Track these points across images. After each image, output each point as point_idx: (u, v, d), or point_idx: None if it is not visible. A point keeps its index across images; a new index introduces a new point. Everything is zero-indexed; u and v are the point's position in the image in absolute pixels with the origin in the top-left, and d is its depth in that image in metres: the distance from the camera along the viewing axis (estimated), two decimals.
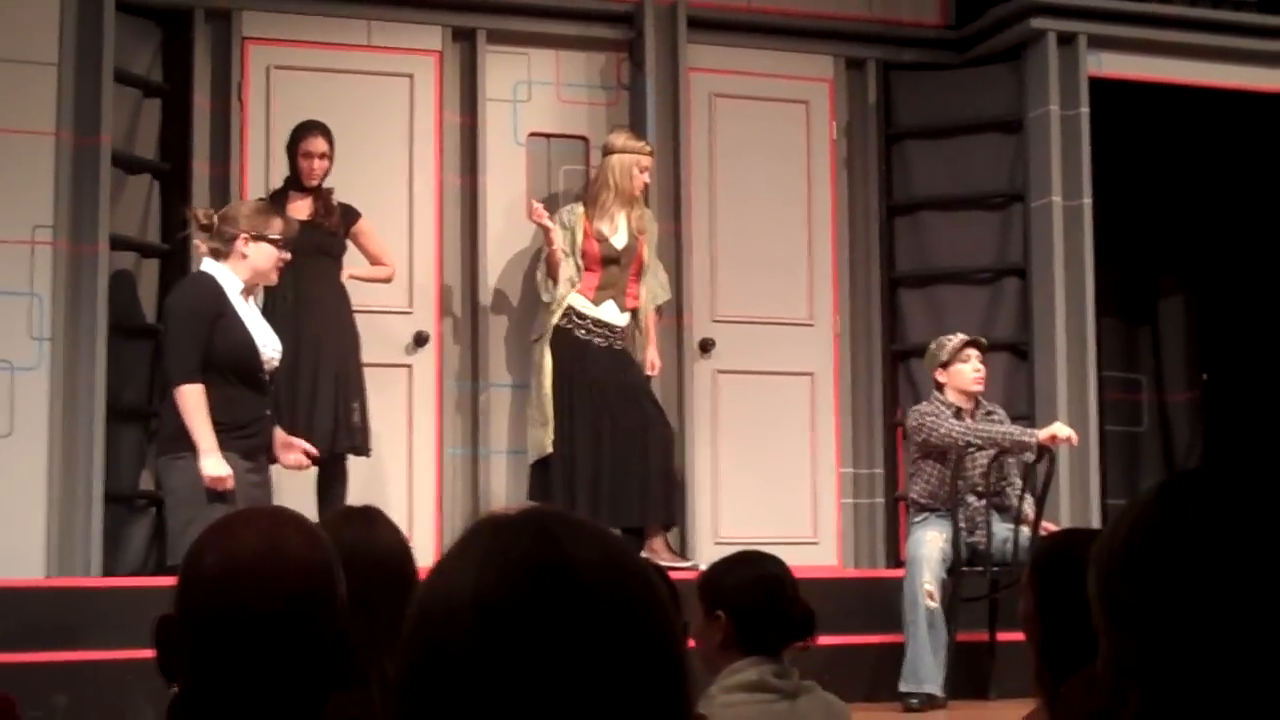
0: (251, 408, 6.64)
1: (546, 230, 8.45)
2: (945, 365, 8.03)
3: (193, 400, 6.44)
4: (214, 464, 6.40)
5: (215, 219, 6.78)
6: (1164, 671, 1.45)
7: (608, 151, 8.76)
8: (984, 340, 8.16)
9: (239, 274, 6.63)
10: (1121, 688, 1.49)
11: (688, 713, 1.43)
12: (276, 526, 2.30)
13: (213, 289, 6.58)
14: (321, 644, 2.23)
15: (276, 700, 2.20)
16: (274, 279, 6.83)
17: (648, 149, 8.81)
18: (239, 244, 6.63)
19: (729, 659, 3.93)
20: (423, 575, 1.52)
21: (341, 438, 8.01)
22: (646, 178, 8.76)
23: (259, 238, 6.64)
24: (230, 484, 6.39)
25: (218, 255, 6.69)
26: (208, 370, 6.50)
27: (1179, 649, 1.44)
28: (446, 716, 1.38)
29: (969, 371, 8.00)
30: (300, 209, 8.20)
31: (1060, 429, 7.94)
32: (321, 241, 8.19)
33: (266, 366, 6.71)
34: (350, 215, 8.36)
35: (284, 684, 2.20)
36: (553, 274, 8.54)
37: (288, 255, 6.78)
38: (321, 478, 8.03)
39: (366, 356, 8.25)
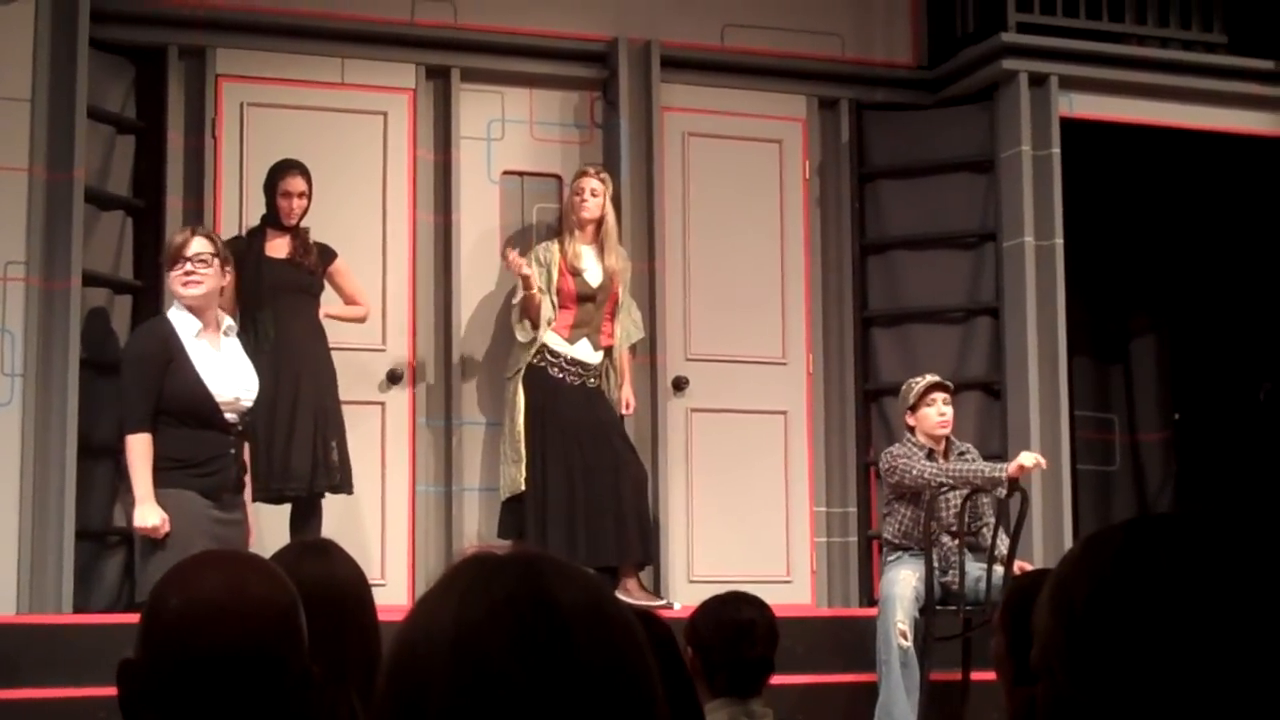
0: (210, 446, 6.64)
1: (526, 278, 8.43)
2: (912, 409, 8.06)
3: (137, 450, 6.48)
4: (143, 513, 6.43)
5: None
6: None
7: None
8: (949, 384, 8.16)
9: (185, 308, 6.66)
10: None
11: None
12: (238, 569, 2.30)
13: (162, 334, 6.61)
14: (285, 685, 2.22)
15: None
16: (191, 294, 6.76)
17: (587, 169, 8.84)
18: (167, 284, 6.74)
19: (704, 695, 3.94)
20: (393, 613, 1.51)
21: (320, 477, 7.99)
22: (584, 197, 8.72)
23: (168, 269, 6.71)
24: (161, 533, 6.40)
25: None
26: (162, 414, 6.52)
27: (1142, 702, 1.43)
28: None
29: (934, 415, 8.02)
30: (279, 248, 8.21)
31: (1027, 458, 7.92)
32: (301, 280, 8.19)
33: (229, 408, 6.70)
34: (327, 255, 8.35)
35: None
36: (531, 316, 8.53)
37: (189, 267, 6.75)
38: (295, 515, 8.01)
39: (340, 394, 8.24)
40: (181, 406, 6.54)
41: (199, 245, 6.78)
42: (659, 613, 3.33)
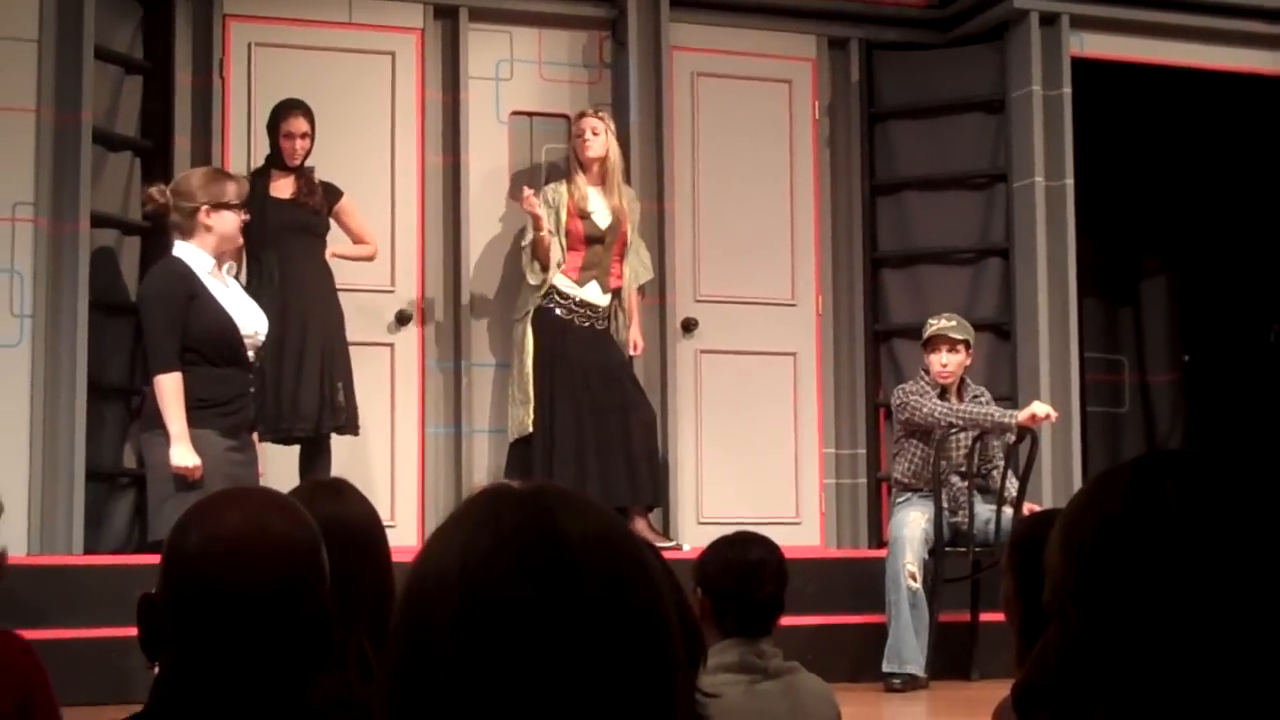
0: (234, 385, 6.61)
1: (537, 218, 8.42)
2: (924, 349, 8.07)
3: (169, 389, 6.42)
4: (182, 453, 6.38)
5: (169, 196, 6.72)
6: (1136, 663, 1.44)
7: None
8: (956, 335, 8.07)
9: (206, 247, 6.57)
10: (1075, 674, 1.49)
11: (677, 694, 1.42)
12: (260, 506, 2.29)
13: (182, 272, 6.54)
14: (305, 624, 2.23)
15: (259, 680, 2.20)
16: (239, 241, 6.78)
17: (586, 110, 8.81)
18: (201, 217, 6.57)
19: (714, 636, 3.94)
20: (403, 554, 1.51)
21: (326, 418, 8.01)
22: (586, 137, 8.69)
23: (218, 206, 6.59)
24: (199, 473, 6.37)
25: (181, 233, 6.64)
26: (188, 352, 6.47)
27: (1155, 640, 1.43)
28: (432, 684, 1.38)
29: (935, 364, 8.02)
30: (283, 188, 8.20)
31: (1039, 408, 7.94)
32: (306, 220, 8.18)
33: (250, 342, 6.68)
34: (333, 194, 8.34)
35: (267, 664, 2.20)
36: (541, 258, 8.52)
37: (246, 216, 6.74)
38: (304, 456, 8.03)
39: (349, 335, 8.24)
40: (209, 342, 6.50)
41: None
42: (663, 553, 3.35)
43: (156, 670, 2.28)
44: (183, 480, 6.36)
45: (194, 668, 2.20)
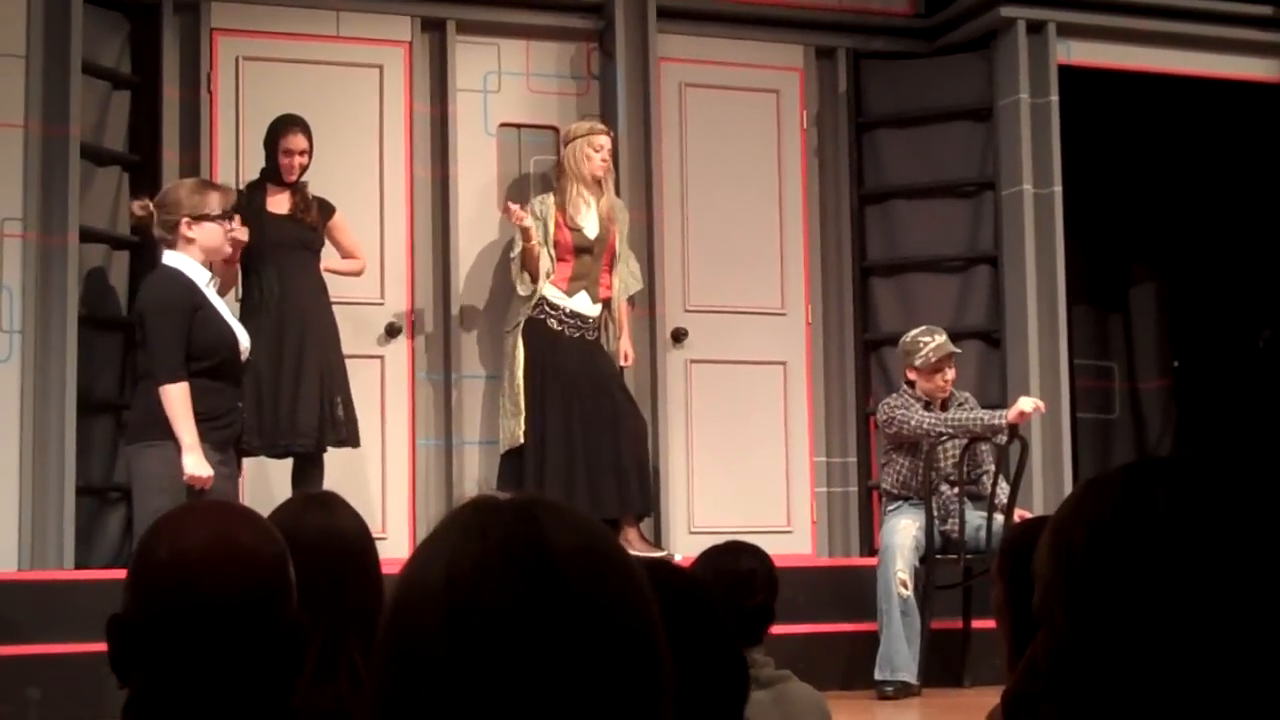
0: (226, 399, 6.59)
1: (525, 230, 8.42)
2: (921, 369, 8.03)
3: (178, 398, 6.37)
4: (195, 462, 6.33)
5: (152, 208, 6.67)
6: (1125, 669, 1.44)
7: (564, 143, 8.79)
8: (958, 350, 8.12)
9: (194, 259, 6.54)
10: (1065, 681, 1.48)
11: (664, 705, 1.42)
12: (225, 519, 2.29)
13: (184, 282, 6.50)
14: (276, 635, 2.22)
15: (234, 693, 2.19)
16: (228, 252, 6.74)
17: (600, 128, 8.79)
18: (182, 229, 6.51)
19: None
20: (395, 566, 1.51)
21: (327, 433, 8.00)
22: (603, 156, 8.70)
23: (200, 217, 6.54)
24: (210, 484, 6.33)
25: (168, 245, 6.59)
26: (189, 361, 6.44)
27: (1144, 646, 1.43)
28: (417, 695, 1.37)
29: (938, 380, 8.01)
30: (279, 204, 8.20)
31: (1025, 403, 7.91)
32: (302, 236, 8.19)
33: (243, 355, 6.67)
34: (326, 210, 8.34)
35: (240, 676, 2.19)
36: (530, 269, 8.53)
37: (234, 226, 6.69)
38: (297, 469, 8.01)
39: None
40: (209, 354, 6.46)
41: None
42: None
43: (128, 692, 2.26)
44: (191, 490, 6.32)
45: (164, 686, 2.19)
